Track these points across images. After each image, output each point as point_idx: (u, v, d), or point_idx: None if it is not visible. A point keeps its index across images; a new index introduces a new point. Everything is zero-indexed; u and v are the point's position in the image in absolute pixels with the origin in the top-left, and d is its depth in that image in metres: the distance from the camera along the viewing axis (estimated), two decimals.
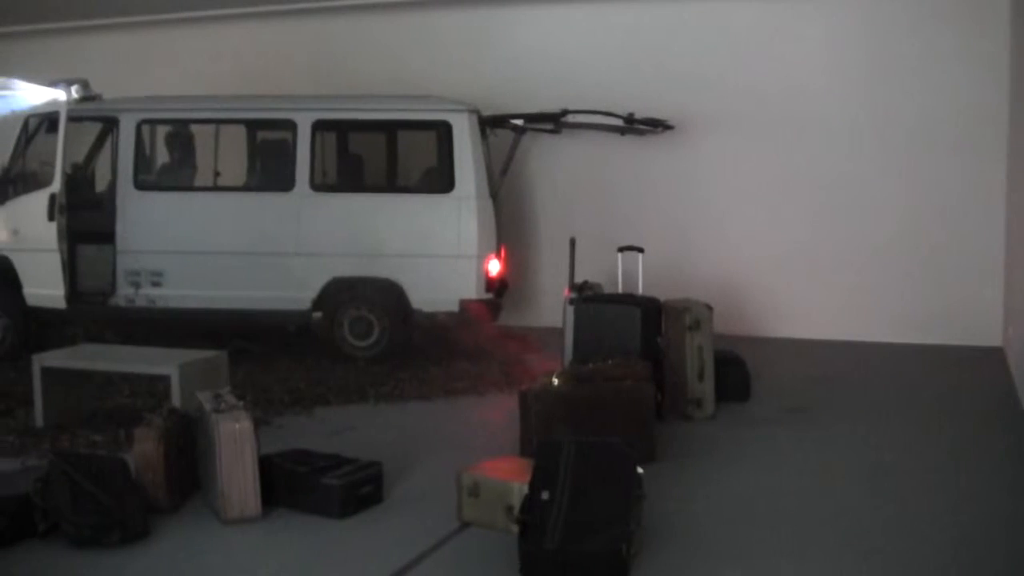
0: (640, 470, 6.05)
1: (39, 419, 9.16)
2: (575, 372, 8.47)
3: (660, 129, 13.47)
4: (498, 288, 12.22)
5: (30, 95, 12.51)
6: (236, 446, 6.75)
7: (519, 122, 13.04)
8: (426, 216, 11.99)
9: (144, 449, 7.05)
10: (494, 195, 12.28)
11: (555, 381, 8.21)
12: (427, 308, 11.93)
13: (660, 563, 5.95)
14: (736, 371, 10.17)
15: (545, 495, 5.76)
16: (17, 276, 12.42)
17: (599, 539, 5.60)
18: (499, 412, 9.68)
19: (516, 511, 5.98)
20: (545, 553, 5.57)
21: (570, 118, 13.34)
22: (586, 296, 10.31)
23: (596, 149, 14.11)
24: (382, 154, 13.39)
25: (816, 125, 13.52)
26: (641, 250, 11.46)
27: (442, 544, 6.37)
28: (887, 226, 13.29)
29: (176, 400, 8.32)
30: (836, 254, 13.53)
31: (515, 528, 5.85)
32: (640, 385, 8.18)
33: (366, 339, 12.06)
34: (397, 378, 11.20)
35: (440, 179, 12.15)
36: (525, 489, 5.95)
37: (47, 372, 9.15)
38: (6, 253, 12.46)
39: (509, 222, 13.21)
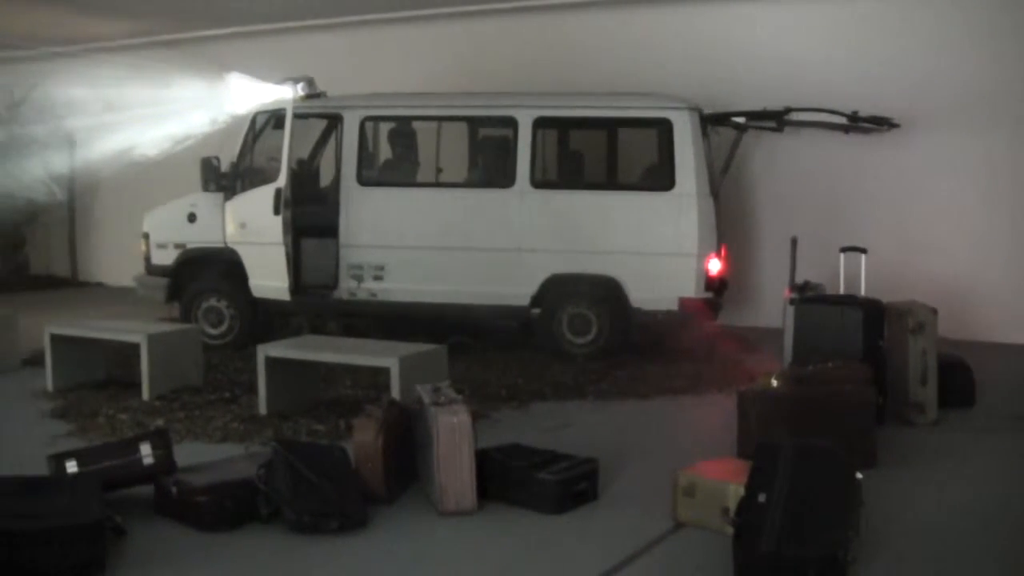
0: (859, 475, 5.95)
1: (263, 407, 9.41)
2: (795, 374, 8.35)
3: (885, 127, 13.17)
4: (718, 287, 12.12)
5: (248, 94, 12.85)
6: (454, 439, 6.82)
7: (741, 120, 12.90)
8: (646, 213, 11.97)
9: (364, 440, 7.17)
10: (715, 193, 12.18)
11: (774, 383, 8.12)
12: (646, 306, 11.89)
13: (877, 571, 5.84)
14: (961, 376, 9.89)
15: (762, 497, 5.69)
16: (244, 268, 12.78)
17: (816, 544, 5.51)
18: (717, 412, 9.60)
19: (732, 513, 5.93)
20: (760, 556, 5.50)
21: (793, 116, 13.14)
22: (807, 297, 10.16)
23: (819, 148, 13.89)
24: (602, 151, 13.40)
25: None
26: (864, 251, 11.25)
27: (656, 543, 6.35)
28: None
29: (396, 392, 8.45)
30: None
31: (730, 530, 5.80)
32: (861, 388, 8.03)
33: (584, 336, 12.08)
34: (614, 376, 11.20)
35: (661, 177, 12.10)
36: (741, 491, 5.89)
37: (271, 362, 9.39)
38: (233, 246, 12.82)
39: (730, 221, 13.08)
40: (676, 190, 11.85)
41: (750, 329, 13.30)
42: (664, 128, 12.05)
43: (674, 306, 11.80)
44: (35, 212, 20.28)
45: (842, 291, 11.09)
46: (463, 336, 12.33)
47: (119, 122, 16.87)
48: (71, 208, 20.92)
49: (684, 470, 6.67)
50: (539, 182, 12.39)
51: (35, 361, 11.51)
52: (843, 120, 12.96)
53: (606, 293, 11.99)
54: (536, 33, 15.65)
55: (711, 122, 12.62)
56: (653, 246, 11.83)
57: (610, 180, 13.24)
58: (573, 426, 9.26)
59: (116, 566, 5.99)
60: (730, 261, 12.64)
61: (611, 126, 13.21)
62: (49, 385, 10.66)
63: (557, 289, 12.11)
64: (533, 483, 6.93)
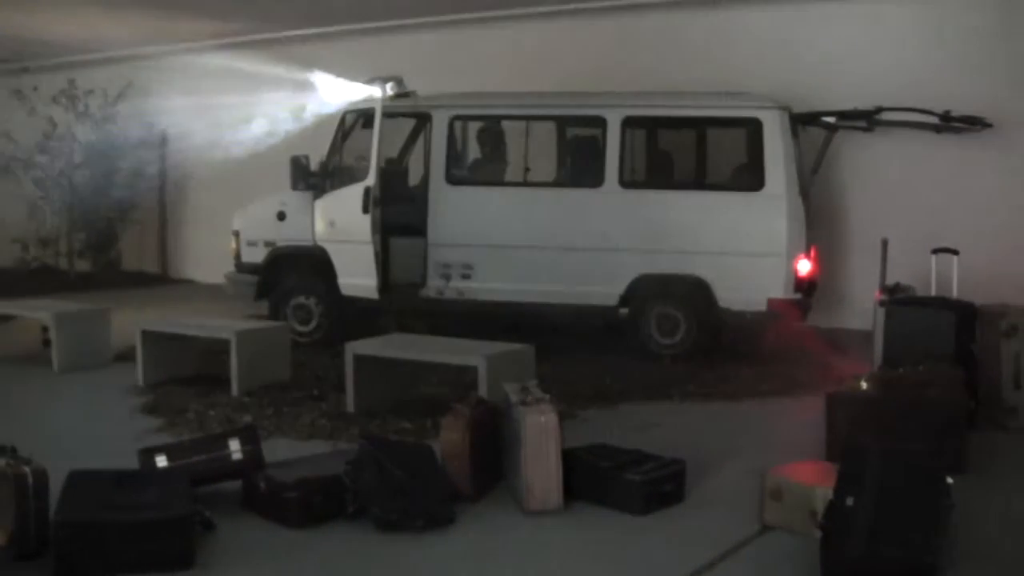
0: (949, 480, 5.87)
1: (350, 404, 9.48)
2: (885, 377, 8.26)
3: (978, 127, 12.97)
4: (807, 288, 12.02)
5: (337, 93, 12.93)
6: (541, 438, 6.82)
7: (831, 119, 12.79)
8: (735, 214, 11.90)
9: (451, 438, 7.19)
10: (804, 194, 12.08)
11: (864, 385, 8.04)
12: (734, 306, 11.83)
13: None
14: None
15: (850, 501, 5.64)
16: (332, 266, 12.86)
17: (904, 548, 5.45)
18: (805, 414, 9.48)
19: (819, 516, 5.87)
20: (848, 560, 5.45)
21: (884, 116, 13.00)
22: (898, 299, 10.04)
23: (910, 148, 13.69)
24: (691, 151, 13.33)
25: None
26: (956, 252, 11.08)
27: (742, 546, 6.32)
28: None
29: (483, 391, 8.45)
30: None
31: (818, 533, 5.74)
32: (952, 392, 7.92)
33: (672, 336, 12.03)
34: (702, 377, 11.14)
35: (750, 177, 12.02)
36: (829, 494, 5.84)
37: (359, 360, 9.45)
38: (323, 244, 12.90)
39: (819, 221, 12.94)
40: (766, 190, 11.77)
41: (839, 331, 13.15)
42: (754, 128, 11.97)
43: (763, 307, 11.72)
44: (127, 210, 20.55)
45: (933, 293, 10.93)
46: (551, 338, 12.29)
47: (210, 121, 17.09)
48: (162, 206, 21.16)
49: (771, 472, 6.62)
50: (628, 182, 12.36)
51: (126, 357, 11.66)
52: (935, 120, 12.80)
53: (694, 293, 11.93)
54: (624, 32, 15.59)
55: (801, 122, 12.53)
56: (742, 246, 11.75)
57: (699, 180, 13.15)
58: (660, 426, 9.22)
59: (204, 560, 6.06)
60: (820, 262, 12.50)
61: (700, 126, 13.13)
62: (140, 380, 10.80)
63: (645, 289, 12.07)
64: (619, 483, 6.92)
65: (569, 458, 7.00)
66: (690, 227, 11.95)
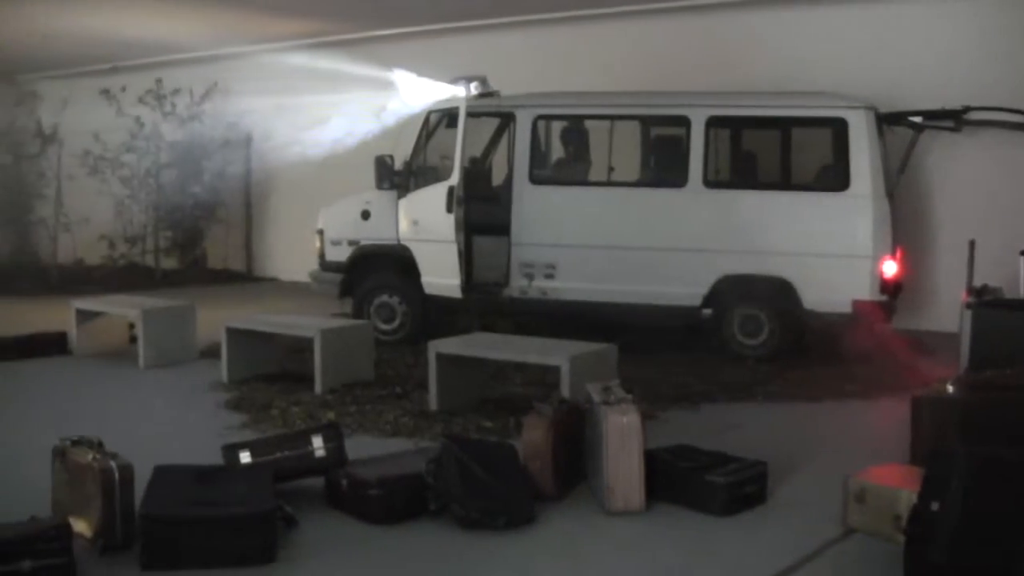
0: None
1: (433, 403, 9.50)
2: (971, 380, 8.15)
3: None
4: (893, 290, 11.90)
5: (420, 93, 12.97)
6: (623, 439, 6.80)
7: (918, 119, 12.66)
8: (820, 214, 11.80)
9: (533, 437, 7.20)
10: (890, 194, 11.94)
11: (950, 388, 7.93)
12: (819, 308, 11.72)
13: None
14: None
15: (935, 506, 5.56)
16: (416, 265, 12.91)
17: (992, 555, 5.37)
18: (889, 418, 9.41)
19: (903, 521, 5.81)
20: (932, 566, 5.38)
21: (972, 115, 12.85)
22: (985, 301, 9.90)
23: (999, 148, 13.51)
24: (775, 151, 13.24)
25: None
26: None
27: (824, 549, 6.26)
28: None
29: (566, 391, 8.44)
30: None
31: (901, 538, 5.68)
32: None
33: (756, 337, 11.96)
34: (785, 378, 11.06)
35: (835, 177, 11.92)
36: (914, 498, 5.77)
37: (442, 358, 9.47)
38: (406, 243, 12.96)
39: (905, 222, 12.81)
40: (851, 191, 11.67)
41: (925, 333, 13.03)
42: (839, 128, 11.87)
43: (847, 309, 11.61)
44: (213, 208, 20.76)
45: (1022, 295, 10.80)
46: (633, 338, 12.25)
47: (294, 121, 17.22)
48: (247, 205, 21.37)
49: (855, 475, 6.56)
50: (712, 182, 12.30)
51: (211, 353, 11.79)
52: None
53: (778, 294, 11.85)
54: (707, 31, 15.51)
55: (887, 121, 12.39)
56: (827, 247, 11.65)
57: (783, 180, 13.04)
58: (743, 428, 9.17)
59: (287, 556, 6.11)
60: (905, 263, 12.37)
61: (785, 125, 13.03)
62: (224, 377, 10.90)
63: (729, 290, 12.01)
64: (701, 485, 6.89)
65: (651, 459, 6.99)
66: (774, 228, 11.86)
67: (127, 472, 6.20)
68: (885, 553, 5.96)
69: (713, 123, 12.29)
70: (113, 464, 6.17)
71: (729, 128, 13.11)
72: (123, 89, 19.86)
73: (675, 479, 7.02)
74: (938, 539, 5.44)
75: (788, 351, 11.91)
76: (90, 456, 6.27)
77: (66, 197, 20.49)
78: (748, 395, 10.47)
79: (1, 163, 20.53)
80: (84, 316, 12.63)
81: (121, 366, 11.91)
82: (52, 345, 12.63)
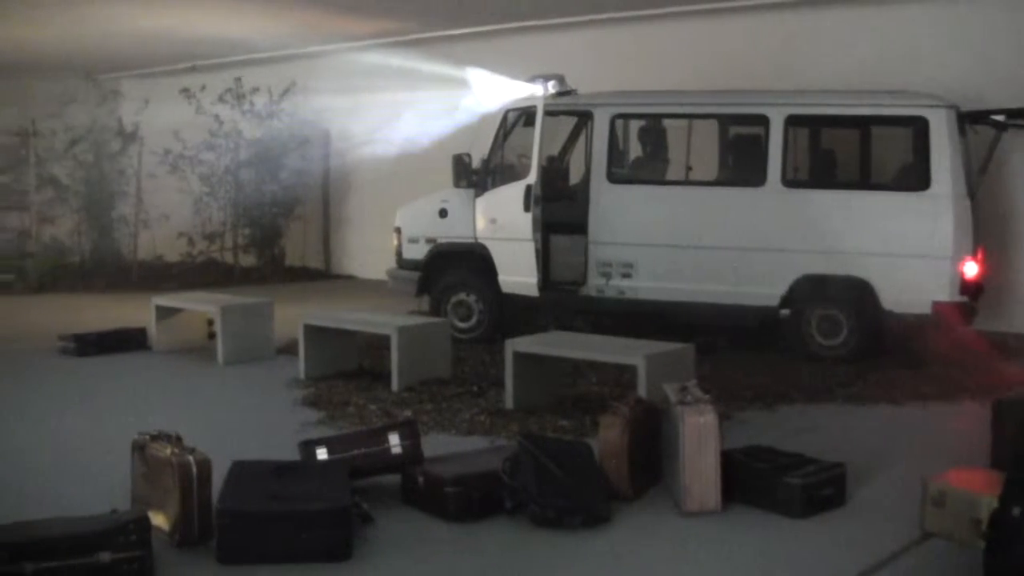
0: None
1: (509, 401, 9.51)
2: None
3: None
4: (974, 291, 11.75)
5: (497, 92, 12.99)
6: (700, 439, 6.77)
7: (1000, 118, 12.48)
8: (900, 214, 11.68)
9: (609, 436, 7.19)
10: (972, 194, 11.79)
11: None
12: (898, 309, 11.60)
13: None
14: None
15: (1016, 511, 5.48)
16: (493, 264, 12.93)
17: None
18: (970, 421, 9.31)
19: (983, 525, 5.73)
20: (1013, 572, 5.31)
21: None
22: None
23: None
24: (855, 150, 13.13)
25: None
26: None
27: (902, 553, 6.19)
28: None
29: (642, 390, 8.43)
30: None
31: (981, 543, 5.61)
32: None
33: (833, 338, 11.85)
34: (864, 380, 10.95)
35: (916, 177, 11.78)
36: (995, 503, 5.70)
37: (519, 356, 9.48)
38: (483, 241, 12.99)
39: (987, 223, 12.65)
40: (932, 190, 11.53)
41: (1007, 335, 12.88)
42: (920, 126, 11.73)
43: (927, 310, 11.48)
44: (291, 206, 20.91)
45: None
46: (711, 337, 12.19)
47: (371, 119, 17.31)
48: (325, 202, 21.50)
49: (934, 479, 6.47)
50: (790, 181, 12.22)
51: (289, 350, 11.89)
52: None
53: (857, 295, 11.74)
54: (784, 29, 15.39)
55: (969, 120, 12.22)
56: (906, 248, 11.53)
57: (863, 179, 12.94)
58: (820, 430, 9.11)
59: (362, 552, 6.14)
60: (987, 265, 12.21)
61: (864, 124, 12.91)
62: (302, 373, 10.98)
63: (807, 290, 11.92)
64: (778, 486, 6.84)
65: (728, 459, 6.95)
66: (853, 227, 11.75)
67: (205, 467, 6.26)
68: (964, 558, 5.88)
69: (792, 122, 12.20)
70: (191, 459, 6.24)
71: (808, 127, 13.02)
72: (203, 88, 20.06)
73: (752, 480, 6.98)
74: (1019, 545, 5.36)
75: (867, 352, 11.78)
76: (169, 451, 6.34)
77: (146, 194, 20.74)
78: (826, 397, 10.38)
79: (84, 161, 20.77)
80: (164, 312, 12.77)
81: (200, 362, 12.04)
82: (132, 341, 12.79)
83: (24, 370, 11.80)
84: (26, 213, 20.49)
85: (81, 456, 8.31)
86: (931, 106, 11.70)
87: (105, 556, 5.56)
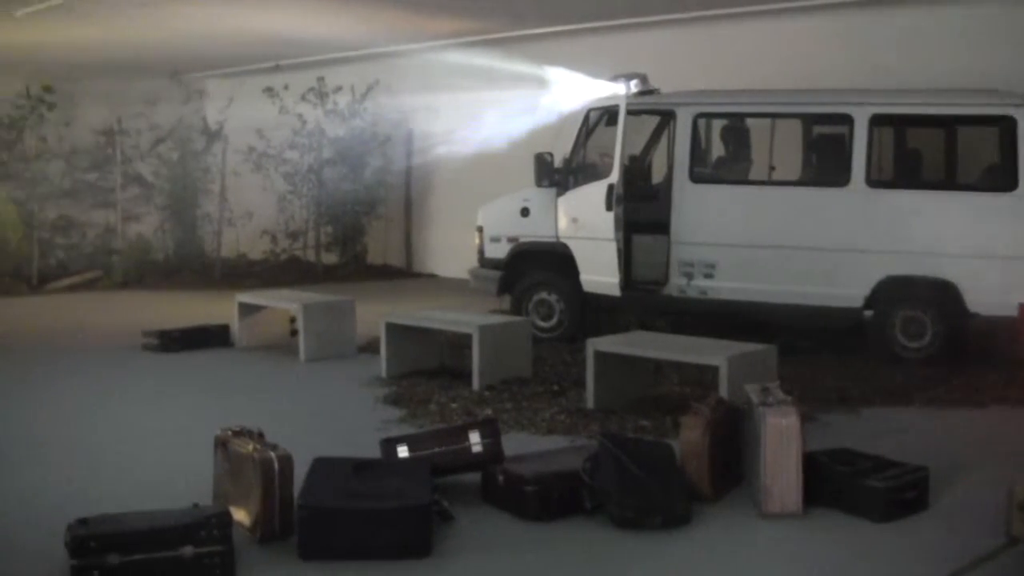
0: None
1: (590, 401, 9.51)
2: None
3: None
4: None
5: (578, 91, 12.98)
6: (782, 441, 6.74)
7: None
8: (986, 215, 11.51)
9: (690, 437, 7.16)
10: None
11: None
12: (984, 311, 11.44)
13: None
14: None
15: None
16: (574, 263, 12.91)
17: None
18: None
19: None
20: None
21: None
22: None
23: None
24: (940, 149, 12.98)
25: None
26: None
27: (987, 559, 6.12)
28: None
29: (724, 391, 8.40)
30: None
31: None
32: None
33: (918, 340, 11.72)
34: (949, 383, 10.82)
35: (1002, 177, 11.60)
36: None
37: (600, 356, 9.48)
38: (565, 240, 12.97)
39: None
40: (1019, 191, 11.36)
41: None
42: (1007, 126, 11.56)
43: (1013, 312, 11.31)
44: (374, 204, 21.02)
45: None
46: (794, 340, 12.09)
47: (453, 118, 17.36)
48: (408, 201, 21.58)
49: (1021, 483, 6.41)
50: (875, 181, 12.09)
51: (370, 348, 11.97)
52: None
53: (942, 296, 11.60)
54: (866, 27, 15.23)
55: None
56: (993, 249, 11.37)
57: (948, 179, 12.77)
58: (904, 433, 9.01)
59: (442, 550, 6.16)
60: None
61: (950, 124, 12.75)
62: (383, 371, 11.05)
63: (891, 291, 11.79)
64: (860, 489, 6.79)
65: (809, 462, 6.90)
66: (939, 228, 11.60)
67: (287, 463, 6.32)
68: None
69: (877, 121, 12.07)
70: (273, 455, 6.30)
71: (892, 126, 12.87)
72: (286, 87, 20.24)
73: (833, 483, 6.92)
74: None
75: (951, 355, 11.64)
76: (251, 447, 6.39)
77: (230, 193, 20.96)
78: (909, 399, 10.27)
79: (168, 159, 21.02)
80: (247, 309, 12.90)
81: (282, 359, 12.14)
82: (215, 337, 12.93)
83: (108, 366, 11.96)
84: (112, 210, 20.75)
85: (164, 451, 8.42)
86: (1019, 105, 11.52)
87: (188, 550, 5.63)
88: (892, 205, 11.85)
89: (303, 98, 20.33)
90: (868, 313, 11.89)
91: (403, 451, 7.12)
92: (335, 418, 9.64)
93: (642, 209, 12.76)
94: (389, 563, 5.96)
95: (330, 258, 21.23)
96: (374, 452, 7.19)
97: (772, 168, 13.82)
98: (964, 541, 6.36)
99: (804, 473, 6.78)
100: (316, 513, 6.05)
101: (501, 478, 6.95)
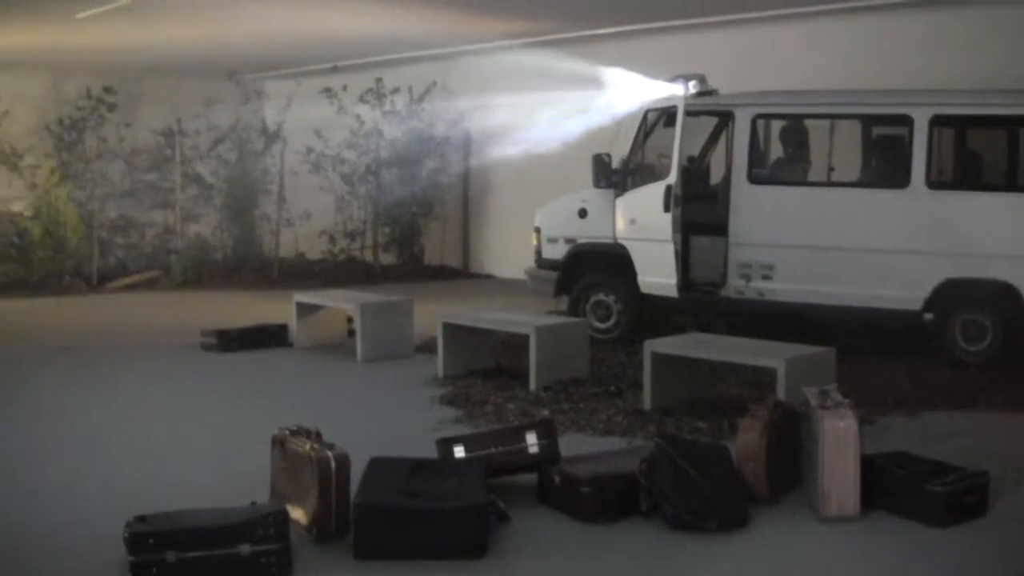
0: None
1: (647, 402, 9.50)
2: None
3: None
4: None
5: (637, 91, 12.95)
6: (839, 444, 6.70)
7: None
8: None
9: (747, 439, 7.14)
10: None
11: None
12: None
13: None
14: None
15: None
16: (632, 264, 12.89)
17: None
18: None
19: None
20: None
21: None
22: None
23: None
24: (1002, 151, 12.85)
25: None
26: None
27: None
28: None
29: (781, 393, 8.37)
30: None
31: None
32: None
33: (979, 344, 11.59)
34: (1010, 386, 10.70)
35: None
36: None
37: (657, 357, 9.47)
38: (623, 241, 12.95)
39: None
40: None
41: None
42: None
43: None
44: (431, 205, 21.07)
45: None
46: (851, 340, 12.00)
47: (510, 119, 17.36)
48: (465, 201, 21.61)
49: None
50: (935, 182, 11.98)
51: (427, 348, 12.01)
52: None
53: (1003, 299, 11.48)
54: (928, 28, 15.11)
55: None
56: None
57: (1010, 181, 12.65)
58: (963, 436, 8.92)
59: (498, 550, 6.18)
60: None
61: (1011, 125, 12.62)
62: (440, 371, 11.08)
63: (951, 294, 11.67)
64: (919, 493, 6.74)
65: (868, 465, 6.86)
66: (999, 230, 11.48)
67: (343, 462, 6.36)
68: None
69: (937, 122, 11.95)
70: (330, 454, 6.33)
71: (953, 127, 12.76)
72: (344, 88, 20.33)
73: (892, 486, 6.88)
74: None
75: (1012, 358, 11.52)
76: (308, 446, 6.43)
77: (289, 193, 21.05)
78: (971, 403, 10.16)
79: (227, 160, 21.17)
80: (304, 309, 12.97)
81: (339, 359, 12.19)
82: (273, 337, 13.01)
83: (167, 365, 12.07)
84: (171, 211, 20.95)
85: (221, 449, 8.50)
86: None
87: (245, 548, 5.68)
88: (952, 207, 11.75)
89: (361, 99, 20.41)
90: (928, 316, 11.79)
91: (460, 451, 7.14)
92: (391, 418, 9.68)
93: (700, 210, 12.70)
94: (444, 563, 5.98)
95: (388, 258, 21.29)
96: (430, 452, 7.21)
97: (831, 169, 13.74)
98: None
99: (862, 476, 6.74)
100: (372, 512, 6.07)
101: (557, 479, 6.95)
